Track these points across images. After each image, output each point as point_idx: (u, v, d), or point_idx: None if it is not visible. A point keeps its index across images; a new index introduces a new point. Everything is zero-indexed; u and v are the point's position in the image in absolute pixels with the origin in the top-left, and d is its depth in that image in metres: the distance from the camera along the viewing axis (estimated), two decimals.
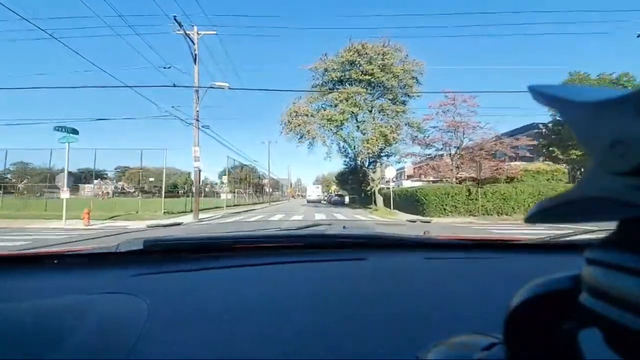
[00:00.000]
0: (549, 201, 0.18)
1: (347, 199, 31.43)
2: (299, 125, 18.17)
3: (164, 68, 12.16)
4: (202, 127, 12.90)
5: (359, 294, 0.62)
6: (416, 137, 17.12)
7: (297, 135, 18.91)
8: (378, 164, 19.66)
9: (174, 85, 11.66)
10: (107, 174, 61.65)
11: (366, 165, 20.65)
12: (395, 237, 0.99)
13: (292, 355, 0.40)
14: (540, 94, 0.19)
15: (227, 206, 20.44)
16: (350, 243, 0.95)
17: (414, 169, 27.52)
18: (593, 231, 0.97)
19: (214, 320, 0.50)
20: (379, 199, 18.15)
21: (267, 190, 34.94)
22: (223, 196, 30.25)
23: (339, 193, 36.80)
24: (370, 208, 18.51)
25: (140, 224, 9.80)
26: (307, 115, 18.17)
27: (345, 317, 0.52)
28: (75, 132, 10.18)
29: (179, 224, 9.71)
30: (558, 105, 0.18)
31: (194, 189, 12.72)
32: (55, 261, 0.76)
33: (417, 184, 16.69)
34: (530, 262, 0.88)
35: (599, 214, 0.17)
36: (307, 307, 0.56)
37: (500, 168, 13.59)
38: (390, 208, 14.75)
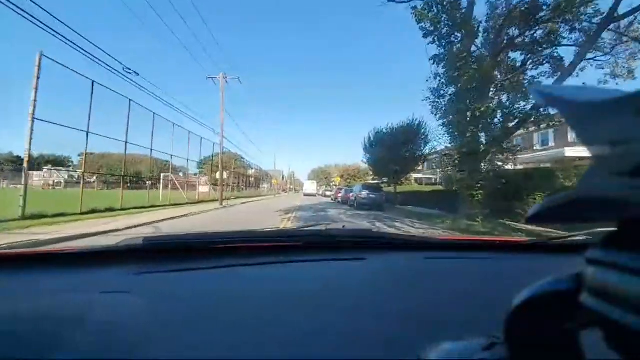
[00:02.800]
0: (549, 201, 0.18)
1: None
2: None
3: None
4: None
5: (359, 294, 0.64)
6: None
7: None
8: None
9: None
10: (71, 161, 51.96)
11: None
12: (395, 238, 1.06)
13: (292, 355, 0.41)
14: (541, 94, 0.19)
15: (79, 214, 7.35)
16: (350, 243, 0.98)
17: None
18: (593, 231, 0.99)
19: (214, 320, 0.50)
20: None
21: (219, 177, 16.59)
22: (202, 189, 20.74)
23: (373, 184, 17.18)
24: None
25: None
26: None
27: (345, 317, 0.52)
28: None
29: None
30: (559, 105, 0.18)
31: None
32: (55, 260, 0.74)
33: None
34: (530, 263, 0.92)
35: (599, 214, 0.17)
36: (307, 307, 0.57)
37: None
38: None
